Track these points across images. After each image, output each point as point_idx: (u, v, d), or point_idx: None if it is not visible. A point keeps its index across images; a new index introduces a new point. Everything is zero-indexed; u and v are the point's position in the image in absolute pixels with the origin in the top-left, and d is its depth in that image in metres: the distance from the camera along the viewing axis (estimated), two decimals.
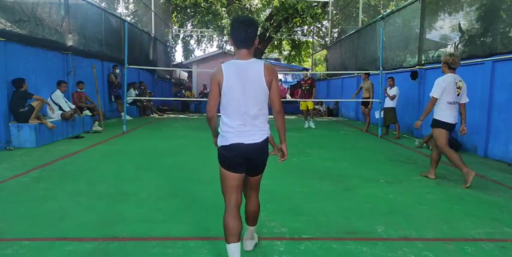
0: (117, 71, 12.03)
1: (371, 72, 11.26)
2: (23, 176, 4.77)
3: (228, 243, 2.38)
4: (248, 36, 2.36)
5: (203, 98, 20.07)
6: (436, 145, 4.93)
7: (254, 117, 2.38)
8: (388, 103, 9.23)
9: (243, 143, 2.36)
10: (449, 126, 4.79)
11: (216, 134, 2.56)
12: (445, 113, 4.77)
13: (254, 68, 2.37)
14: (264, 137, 2.42)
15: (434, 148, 5.03)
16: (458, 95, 4.76)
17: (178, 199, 3.97)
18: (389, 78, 9.51)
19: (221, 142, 2.43)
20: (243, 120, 2.37)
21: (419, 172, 5.47)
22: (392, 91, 9.17)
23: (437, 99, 4.78)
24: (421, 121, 4.93)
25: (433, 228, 3.30)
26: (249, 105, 2.35)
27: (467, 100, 4.91)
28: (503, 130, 6.46)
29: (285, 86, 21.35)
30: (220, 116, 2.48)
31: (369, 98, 10.16)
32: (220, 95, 2.39)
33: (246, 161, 2.41)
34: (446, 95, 4.73)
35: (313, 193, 4.24)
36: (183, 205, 3.78)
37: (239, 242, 2.39)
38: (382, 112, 9.49)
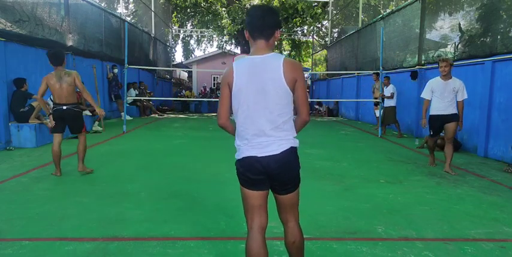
0: (116, 70, 12.01)
1: (371, 72, 11.25)
2: (23, 176, 4.77)
3: None
4: (266, 24, 1.99)
5: (203, 98, 20.09)
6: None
7: (272, 125, 1.97)
8: (388, 102, 9.22)
9: (256, 156, 1.97)
10: None
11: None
12: None
13: (271, 64, 1.96)
14: (285, 148, 1.98)
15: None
16: None
17: (178, 199, 3.97)
18: (384, 77, 9.53)
19: (236, 155, 2.09)
20: (257, 129, 1.97)
21: (420, 172, 5.47)
22: (388, 90, 9.19)
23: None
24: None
25: (433, 228, 3.30)
26: (264, 110, 1.96)
27: None
28: (503, 130, 6.46)
29: None
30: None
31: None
32: (231, 98, 2.03)
33: (266, 177, 2.02)
34: None
35: (313, 193, 4.24)
36: (183, 205, 3.78)
37: None
38: (380, 111, 9.51)
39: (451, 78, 5.33)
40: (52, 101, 7.82)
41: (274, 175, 2.00)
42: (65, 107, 4.68)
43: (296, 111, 2.09)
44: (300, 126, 2.12)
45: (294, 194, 2.11)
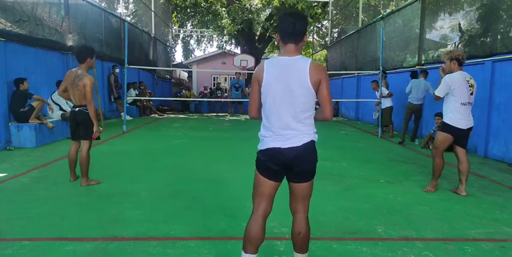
0: (117, 70, 12.01)
1: (371, 72, 11.26)
2: (23, 176, 4.77)
3: (245, 252, 2.20)
4: (297, 30, 2.14)
5: (203, 98, 20.09)
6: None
7: (295, 121, 2.15)
8: (385, 103, 9.21)
9: (279, 148, 2.13)
10: (458, 132, 4.27)
11: None
12: (455, 116, 4.24)
13: (299, 66, 2.12)
14: (305, 141, 2.17)
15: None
16: (471, 94, 4.30)
17: (178, 199, 3.97)
18: (372, 82, 9.56)
19: (259, 146, 2.23)
20: (282, 123, 2.14)
21: (420, 172, 5.47)
22: (384, 91, 9.22)
23: (440, 97, 4.28)
24: None
25: (433, 228, 3.30)
26: (289, 106, 2.13)
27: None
28: (503, 130, 6.46)
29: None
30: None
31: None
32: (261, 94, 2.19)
33: (285, 168, 2.18)
34: (459, 94, 4.21)
35: (313, 193, 4.22)
36: (183, 205, 3.78)
37: (256, 255, 2.21)
38: (378, 114, 9.53)
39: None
40: (53, 101, 7.93)
41: (294, 166, 2.16)
42: (76, 109, 4.40)
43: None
44: (319, 119, 2.30)
45: (307, 185, 2.27)
